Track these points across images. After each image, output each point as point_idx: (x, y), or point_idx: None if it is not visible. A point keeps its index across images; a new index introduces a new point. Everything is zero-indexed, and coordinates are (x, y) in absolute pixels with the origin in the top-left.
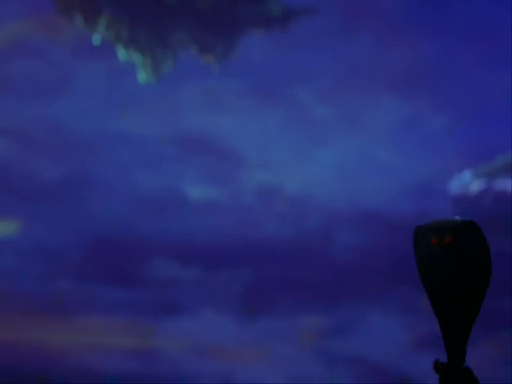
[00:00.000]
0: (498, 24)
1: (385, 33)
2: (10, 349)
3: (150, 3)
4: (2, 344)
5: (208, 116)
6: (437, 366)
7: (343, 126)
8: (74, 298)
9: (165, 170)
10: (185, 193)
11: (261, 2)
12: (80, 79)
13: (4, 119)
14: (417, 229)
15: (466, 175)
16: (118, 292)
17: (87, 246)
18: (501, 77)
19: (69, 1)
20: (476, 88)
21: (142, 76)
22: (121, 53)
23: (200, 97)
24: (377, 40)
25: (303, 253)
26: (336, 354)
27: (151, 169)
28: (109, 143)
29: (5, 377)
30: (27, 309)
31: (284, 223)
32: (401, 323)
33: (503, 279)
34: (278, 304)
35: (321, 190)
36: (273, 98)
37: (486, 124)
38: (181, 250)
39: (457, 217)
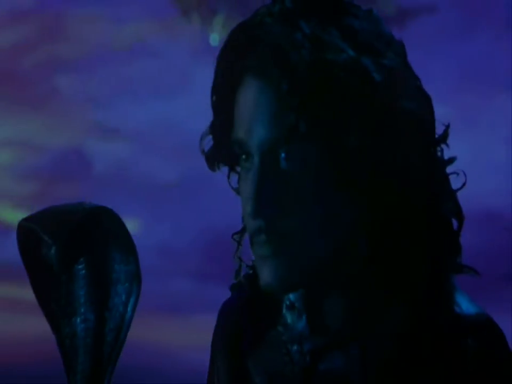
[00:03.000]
0: None
1: (505, 31)
2: (130, 348)
3: (261, 2)
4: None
5: None
6: None
7: (460, 126)
8: (193, 297)
9: None
10: None
11: (374, 1)
12: (198, 80)
13: (122, 121)
14: (22, 224)
15: None
16: None
17: (205, 246)
18: None
19: (187, 2)
20: None
21: None
22: None
23: None
24: (497, 39)
25: None
26: None
27: None
28: None
29: (124, 375)
30: (147, 308)
31: None
32: None
33: None
34: None
35: None
36: None
37: None
38: None
39: (86, 203)
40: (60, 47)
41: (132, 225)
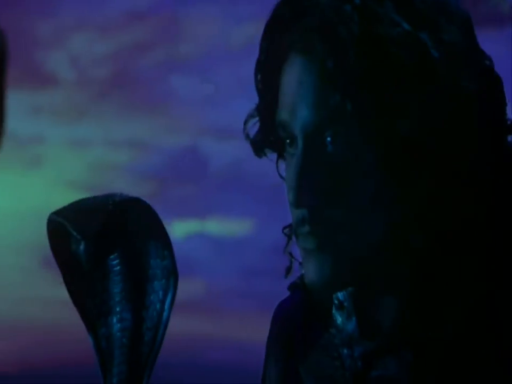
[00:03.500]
0: None
1: None
2: (238, 347)
3: None
4: (233, 342)
5: None
6: None
7: None
8: None
9: None
10: None
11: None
12: None
13: (236, 121)
14: (52, 218)
15: None
16: None
17: None
18: None
19: None
20: None
21: None
22: None
23: None
24: None
25: None
26: None
27: None
28: None
29: (228, 372)
30: (261, 307)
31: None
32: None
33: None
34: None
35: None
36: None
37: None
38: None
39: (117, 194)
40: (176, 48)
41: (247, 225)
